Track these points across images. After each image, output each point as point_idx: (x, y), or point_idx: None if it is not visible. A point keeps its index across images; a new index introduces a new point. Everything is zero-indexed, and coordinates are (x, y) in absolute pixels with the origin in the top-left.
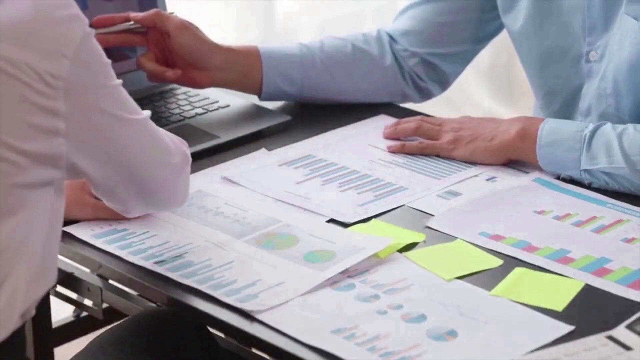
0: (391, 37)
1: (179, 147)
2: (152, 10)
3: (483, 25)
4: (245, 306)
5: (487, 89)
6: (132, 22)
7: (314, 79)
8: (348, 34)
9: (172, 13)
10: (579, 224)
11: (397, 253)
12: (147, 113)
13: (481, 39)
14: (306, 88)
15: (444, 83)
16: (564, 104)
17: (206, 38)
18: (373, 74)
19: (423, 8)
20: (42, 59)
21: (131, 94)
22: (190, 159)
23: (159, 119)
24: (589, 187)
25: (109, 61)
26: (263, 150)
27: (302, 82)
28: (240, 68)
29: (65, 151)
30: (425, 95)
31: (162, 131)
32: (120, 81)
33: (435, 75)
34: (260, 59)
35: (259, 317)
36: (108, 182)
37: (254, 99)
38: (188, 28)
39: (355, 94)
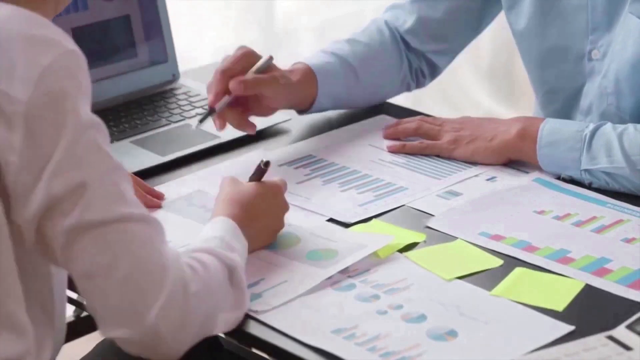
0: (403, 40)
1: (179, 269)
2: (252, 80)
3: (482, 18)
4: (250, 306)
5: (487, 89)
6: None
7: (351, 95)
8: (367, 34)
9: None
10: (579, 224)
11: (397, 253)
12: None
13: (479, 31)
14: (341, 103)
15: (436, 75)
16: (564, 102)
17: (287, 86)
18: (395, 83)
19: (428, 4)
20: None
21: (130, 94)
22: (193, 292)
23: (159, 119)
24: (589, 187)
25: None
26: (263, 150)
27: (340, 99)
28: (297, 96)
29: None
30: (418, 86)
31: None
32: (103, 132)
33: (431, 69)
34: (316, 87)
35: (259, 317)
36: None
37: None
38: (282, 95)
39: (374, 102)
